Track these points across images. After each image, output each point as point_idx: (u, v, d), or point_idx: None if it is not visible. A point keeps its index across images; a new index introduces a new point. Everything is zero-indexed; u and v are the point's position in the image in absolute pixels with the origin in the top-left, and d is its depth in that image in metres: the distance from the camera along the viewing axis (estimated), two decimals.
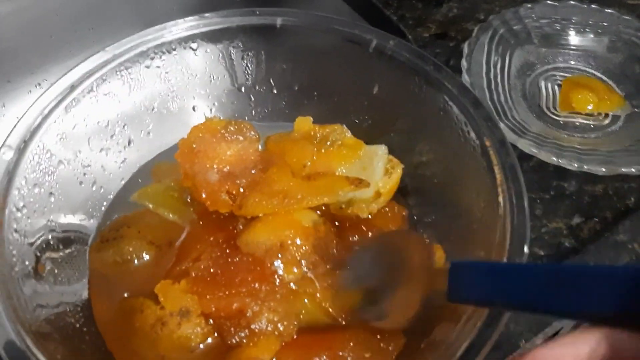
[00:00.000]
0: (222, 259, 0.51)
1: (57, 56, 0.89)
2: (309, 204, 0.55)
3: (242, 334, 0.48)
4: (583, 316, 0.31)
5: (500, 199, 0.48)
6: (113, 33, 0.80)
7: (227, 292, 0.49)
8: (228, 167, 0.56)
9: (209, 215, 0.55)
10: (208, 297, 0.49)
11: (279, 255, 0.52)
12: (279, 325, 0.49)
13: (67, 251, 0.53)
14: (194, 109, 0.64)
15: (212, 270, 0.50)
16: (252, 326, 0.48)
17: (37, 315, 0.45)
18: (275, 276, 0.51)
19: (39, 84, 0.89)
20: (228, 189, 0.54)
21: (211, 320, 0.50)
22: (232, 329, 0.49)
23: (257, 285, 0.50)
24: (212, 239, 0.53)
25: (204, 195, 0.53)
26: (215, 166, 0.55)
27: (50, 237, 0.52)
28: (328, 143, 0.61)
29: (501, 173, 0.49)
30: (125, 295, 0.52)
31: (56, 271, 0.50)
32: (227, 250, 0.51)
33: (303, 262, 0.53)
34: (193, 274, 0.50)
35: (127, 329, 0.49)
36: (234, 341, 0.48)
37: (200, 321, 0.49)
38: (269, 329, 0.48)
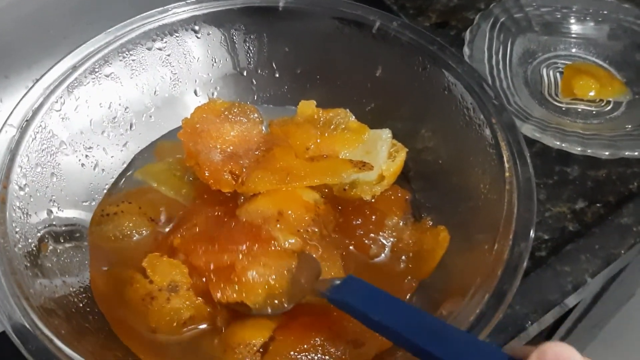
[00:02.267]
0: (218, 223, 0.51)
1: (55, 51, 0.87)
2: (311, 183, 0.54)
3: (231, 290, 0.48)
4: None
5: (507, 176, 0.48)
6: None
7: (218, 248, 0.49)
8: (231, 148, 0.55)
9: (211, 195, 0.55)
10: (199, 251, 0.49)
11: (277, 222, 0.51)
12: (270, 279, 0.49)
13: (69, 232, 0.53)
14: (195, 92, 0.63)
15: (206, 230, 0.50)
16: (243, 279, 0.48)
17: (41, 292, 0.44)
18: (272, 242, 0.51)
19: (37, 79, 0.88)
20: (231, 169, 0.54)
21: (204, 279, 0.49)
22: (221, 284, 0.48)
23: (250, 244, 0.49)
24: (211, 210, 0.52)
25: (207, 174, 0.53)
26: (218, 146, 0.55)
27: (52, 217, 0.51)
28: (332, 127, 0.60)
29: (508, 151, 0.49)
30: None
31: (59, 250, 0.50)
32: (225, 219, 0.51)
33: (301, 231, 0.52)
34: (185, 234, 0.50)
35: (119, 301, 0.49)
36: (223, 297, 0.48)
37: (190, 296, 0.49)
38: (260, 281, 0.48)
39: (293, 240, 0.51)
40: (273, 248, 0.51)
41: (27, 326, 0.40)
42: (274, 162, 0.55)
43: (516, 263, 0.44)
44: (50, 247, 0.49)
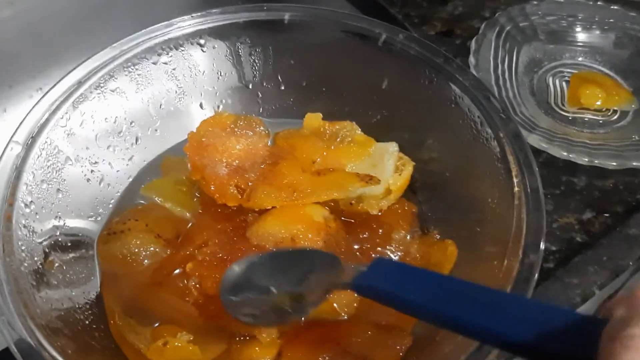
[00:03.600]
0: (229, 245, 0.50)
1: (59, 60, 0.87)
2: (318, 199, 0.54)
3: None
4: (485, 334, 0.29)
5: (516, 191, 0.48)
6: (115, 37, 0.80)
7: None
8: (237, 162, 0.55)
9: (217, 210, 0.54)
10: (212, 279, 0.48)
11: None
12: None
13: (75, 248, 0.52)
14: (201, 106, 0.63)
15: (219, 255, 0.49)
16: None
17: (47, 310, 0.44)
18: None
19: (41, 89, 0.88)
20: (237, 183, 0.54)
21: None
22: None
23: None
24: (219, 226, 0.52)
25: (212, 188, 0.53)
26: (224, 160, 0.55)
27: (58, 233, 0.51)
28: (338, 140, 0.60)
29: (516, 165, 0.48)
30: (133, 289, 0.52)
31: (65, 267, 0.50)
32: (235, 239, 0.51)
33: None
34: (199, 258, 0.49)
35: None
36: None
37: None
38: None
39: None
40: None
41: (33, 345, 0.40)
42: (281, 177, 0.55)
43: (527, 276, 0.44)
44: (57, 264, 0.49)
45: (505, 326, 0.28)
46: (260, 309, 0.46)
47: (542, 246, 0.45)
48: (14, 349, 0.40)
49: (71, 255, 0.52)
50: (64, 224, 0.52)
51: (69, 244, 0.52)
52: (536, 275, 0.44)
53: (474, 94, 0.52)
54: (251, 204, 0.53)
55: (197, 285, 0.50)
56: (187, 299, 0.50)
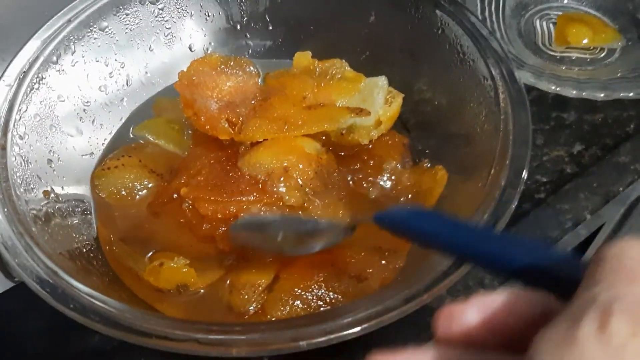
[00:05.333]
0: (222, 173, 0.51)
1: None
2: (309, 131, 0.55)
3: None
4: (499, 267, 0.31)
5: (502, 106, 0.48)
6: None
7: (224, 197, 0.50)
8: (228, 97, 0.56)
9: (209, 144, 0.55)
10: (206, 200, 0.49)
11: (281, 178, 0.52)
12: None
13: (70, 183, 0.53)
14: (190, 48, 0.64)
15: (212, 182, 0.50)
16: None
17: (42, 235, 0.45)
18: (275, 197, 0.51)
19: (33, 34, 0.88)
20: (228, 117, 0.54)
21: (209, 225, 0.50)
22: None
23: (257, 197, 0.49)
24: (212, 156, 0.53)
25: (203, 120, 0.53)
26: (215, 96, 0.55)
27: (52, 166, 0.51)
28: (328, 77, 0.60)
29: (502, 81, 0.49)
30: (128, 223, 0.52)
31: (60, 198, 0.50)
32: (228, 167, 0.52)
33: (306, 188, 0.53)
34: (193, 183, 0.50)
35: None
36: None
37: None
38: None
39: (296, 198, 0.52)
40: (279, 203, 0.52)
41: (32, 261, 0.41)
42: (271, 110, 0.56)
43: (510, 194, 0.44)
44: (52, 195, 0.50)
45: (505, 254, 0.30)
46: (265, 245, 0.49)
47: (524, 175, 0.46)
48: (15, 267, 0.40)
49: (66, 187, 0.52)
50: (58, 158, 0.52)
51: (64, 178, 0.52)
52: (517, 197, 0.45)
53: (459, 18, 0.53)
54: (242, 136, 0.54)
55: (191, 207, 0.50)
56: (182, 220, 0.50)
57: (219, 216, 0.51)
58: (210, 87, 0.56)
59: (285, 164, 0.53)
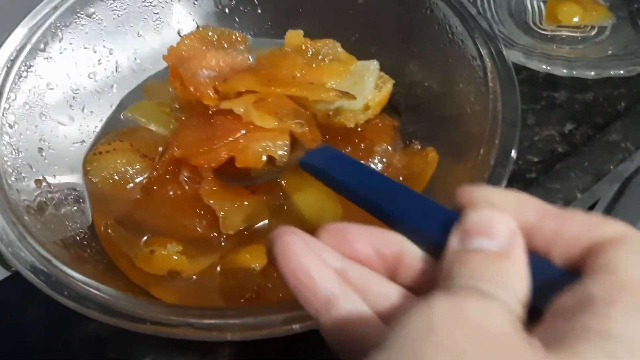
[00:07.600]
0: (208, 126, 0.51)
1: None
2: (291, 92, 0.55)
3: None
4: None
5: (490, 86, 0.48)
6: None
7: (217, 144, 0.50)
8: (217, 70, 0.55)
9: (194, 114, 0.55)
10: (199, 153, 0.50)
11: (255, 104, 0.52)
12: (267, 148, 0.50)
13: (61, 172, 0.53)
14: (179, 33, 0.63)
15: (200, 136, 0.51)
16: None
17: (36, 220, 0.45)
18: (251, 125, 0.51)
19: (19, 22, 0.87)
20: (215, 87, 0.54)
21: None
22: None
23: (243, 134, 0.50)
24: (197, 119, 0.53)
25: (191, 89, 0.53)
26: (204, 67, 0.55)
27: (43, 154, 0.51)
28: (320, 57, 0.60)
29: (490, 60, 0.49)
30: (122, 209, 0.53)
31: (52, 187, 0.50)
32: (212, 120, 0.52)
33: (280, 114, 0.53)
34: (183, 143, 0.51)
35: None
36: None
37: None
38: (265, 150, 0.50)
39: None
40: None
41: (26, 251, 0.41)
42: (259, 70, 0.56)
43: (500, 173, 0.45)
44: (44, 184, 0.50)
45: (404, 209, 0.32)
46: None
47: (513, 154, 0.46)
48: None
49: (58, 176, 0.52)
50: (49, 146, 0.52)
51: (56, 167, 0.52)
52: (506, 176, 0.45)
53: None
54: (226, 86, 0.54)
55: (187, 179, 0.51)
56: (179, 192, 0.51)
57: (213, 165, 0.51)
58: (199, 59, 0.56)
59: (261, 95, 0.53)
